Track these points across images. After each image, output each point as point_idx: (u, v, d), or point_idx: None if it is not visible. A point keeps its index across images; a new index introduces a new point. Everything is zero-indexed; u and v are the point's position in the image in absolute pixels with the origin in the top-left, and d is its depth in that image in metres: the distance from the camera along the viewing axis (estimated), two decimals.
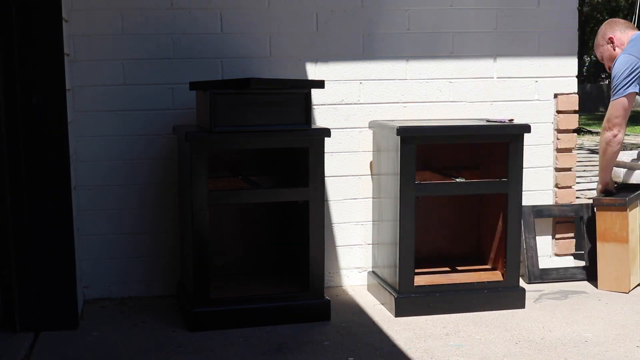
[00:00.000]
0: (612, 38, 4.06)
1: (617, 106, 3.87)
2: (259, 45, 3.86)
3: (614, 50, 4.05)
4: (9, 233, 3.29)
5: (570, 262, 4.21)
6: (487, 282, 3.70)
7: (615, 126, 3.88)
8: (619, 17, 23.46)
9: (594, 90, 21.65)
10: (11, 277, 3.32)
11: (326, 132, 3.46)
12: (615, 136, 3.90)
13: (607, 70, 4.15)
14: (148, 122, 3.79)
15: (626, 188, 4.20)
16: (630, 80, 3.84)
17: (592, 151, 11.30)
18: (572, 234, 4.30)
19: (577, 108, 4.21)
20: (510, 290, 3.67)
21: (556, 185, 4.22)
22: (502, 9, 4.08)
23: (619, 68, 3.89)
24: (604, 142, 3.95)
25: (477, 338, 3.29)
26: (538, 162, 4.18)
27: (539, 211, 4.16)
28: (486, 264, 3.93)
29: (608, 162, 4.01)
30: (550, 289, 3.94)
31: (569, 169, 4.23)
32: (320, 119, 3.95)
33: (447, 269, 3.90)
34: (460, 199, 3.99)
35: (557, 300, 3.78)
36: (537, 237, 4.12)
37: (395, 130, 3.51)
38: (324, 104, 3.96)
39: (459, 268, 3.90)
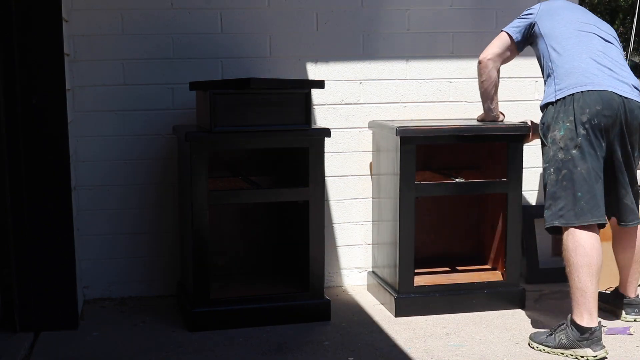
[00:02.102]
0: None
1: (498, 40, 3.52)
2: (259, 45, 3.86)
3: None
4: (9, 233, 3.29)
5: None
6: (487, 282, 3.70)
7: (489, 54, 3.52)
8: (618, 17, 23.39)
9: None
10: (11, 277, 3.32)
11: (326, 132, 3.46)
12: (481, 65, 3.53)
13: None
14: (148, 122, 3.79)
15: None
16: (521, 27, 3.48)
17: None
18: None
19: None
20: (510, 290, 3.67)
21: None
22: (502, 9, 4.08)
23: (525, 13, 3.52)
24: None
25: (477, 338, 3.29)
26: (538, 162, 4.17)
27: (539, 211, 4.15)
28: (486, 264, 3.93)
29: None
30: (550, 289, 3.94)
31: None
32: (320, 119, 3.95)
33: (447, 269, 3.90)
34: (460, 199, 3.98)
35: (557, 300, 3.78)
36: (537, 237, 4.12)
37: (395, 131, 3.51)
38: (324, 104, 3.96)
39: (459, 268, 3.90)
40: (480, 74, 3.56)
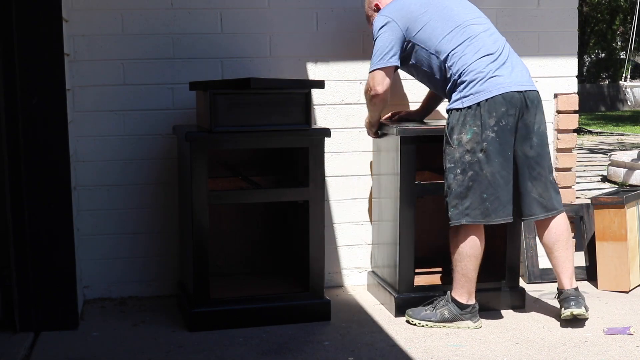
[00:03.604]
0: (377, 5, 3.63)
1: (383, 75, 3.44)
2: (259, 45, 3.86)
3: None
4: (9, 233, 3.29)
5: None
6: (487, 282, 3.69)
7: (377, 92, 3.46)
8: (619, 17, 23.44)
9: (594, 90, 21.67)
10: (11, 277, 3.32)
11: (326, 132, 3.46)
12: (377, 96, 3.49)
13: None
14: (148, 122, 3.79)
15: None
16: (392, 51, 3.43)
17: (592, 151, 11.31)
18: (572, 234, 4.29)
19: (577, 108, 4.21)
20: (510, 290, 3.67)
21: None
22: (502, 9, 4.08)
23: (380, 34, 3.45)
24: (368, 100, 3.56)
25: (477, 338, 3.29)
26: None
27: None
28: (486, 264, 3.93)
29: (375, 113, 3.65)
30: (550, 289, 3.94)
31: (569, 169, 4.24)
32: (320, 119, 3.96)
33: (447, 268, 3.89)
34: None
35: (556, 300, 3.78)
36: (537, 237, 4.11)
37: (395, 131, 3.51)
38: (324, 104, 3.96)
39: None
40: (372, 104, 3.55)
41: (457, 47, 3.33)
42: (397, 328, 3.42)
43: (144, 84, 3.78)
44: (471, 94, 3.27)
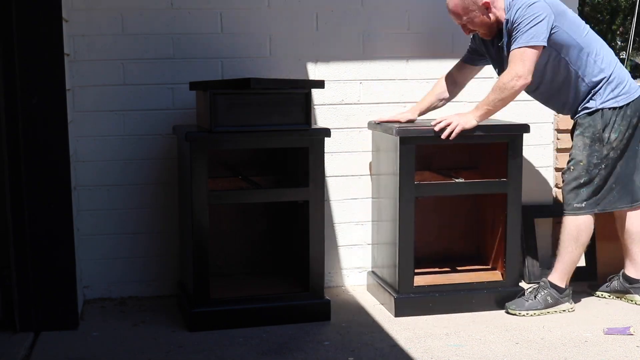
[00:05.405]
0: (487, 4, 3.44)
1: (533, 55, 3.38)
2: (259, 45, 3.86)
3: (489, 18, 3.48)
4: (9, 233, 3.29)
5: None
6: (487, 282, 3.70)
7: (527, 80, 3.40)
8: (619, 17, 23.42)
9: None
10: (11, 277, 3.32)
11: (326, 132, 3.46)
12: (525, 85, 3.43)
13: (468, 33, 3.62)
14: (148, 122, 3.79)
15: None
16: (545, 33, 3.38)
17: None
18: None
19: None
20: (510, 290, 3.67)
21: (556, 185, 4.22)
22: None
23: (538, 13, 3.36)
24: (511, 89, 3.41)
25: (477, 338, 3.29)
26: (538, 162, 4.18)
27: (539, 211, 4.16)
28: (486, 264, 3.93)
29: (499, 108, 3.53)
30: None
31: None
32: (321, 119, 3.96)
33: (447, 269, 3.90)
34: (460, 199, 3.98)
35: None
36: (537, 237, 4.12)
37: (394, 131, 3.51)
38: (324, 104, 3.96)
39: (459, 268, 3.90)
40: (515, 93, 3.46)
41: (600, 46, 3.51)
42: (397, 328, 3.42)
43: (144, 84, 3.78)
44: (623, 94, 3.50)
